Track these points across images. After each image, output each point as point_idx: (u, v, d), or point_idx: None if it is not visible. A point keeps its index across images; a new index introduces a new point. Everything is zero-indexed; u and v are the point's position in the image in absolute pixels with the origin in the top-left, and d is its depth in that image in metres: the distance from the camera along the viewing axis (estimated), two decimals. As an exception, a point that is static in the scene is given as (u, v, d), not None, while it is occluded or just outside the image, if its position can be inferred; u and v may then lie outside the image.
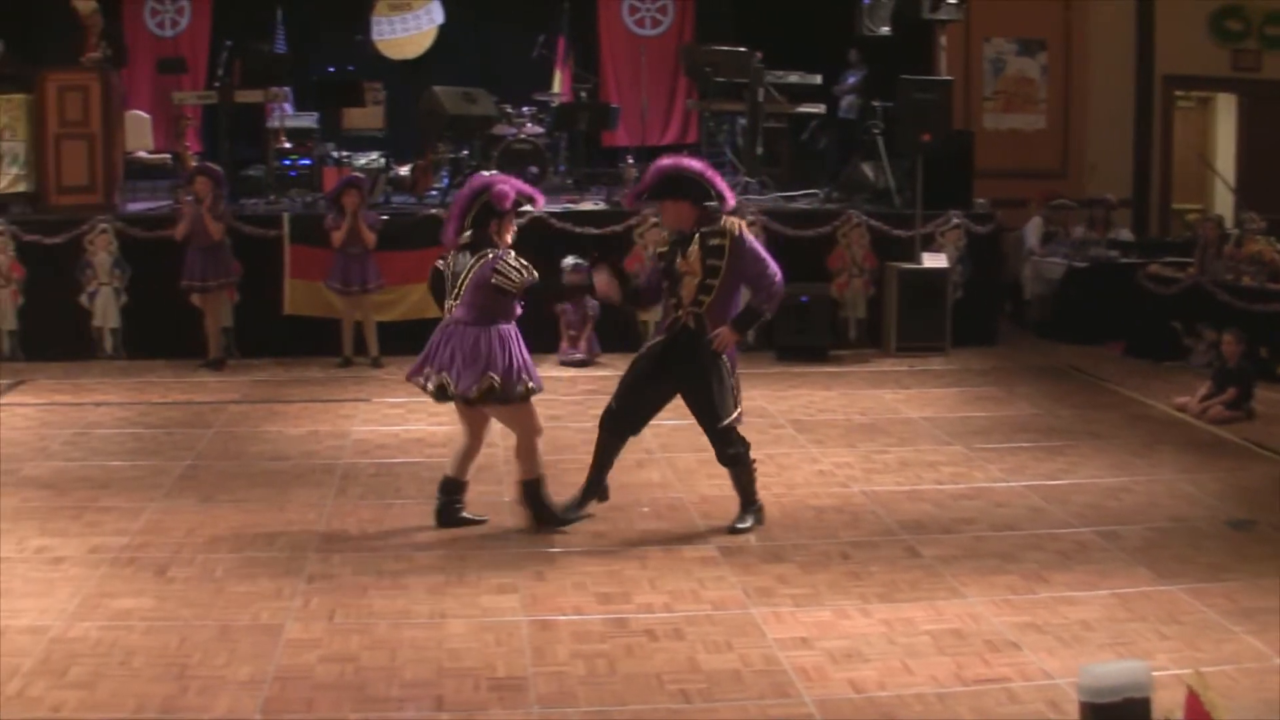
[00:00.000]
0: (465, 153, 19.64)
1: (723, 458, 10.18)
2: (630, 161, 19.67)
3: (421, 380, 9.92)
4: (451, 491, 10.32)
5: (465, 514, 10.33)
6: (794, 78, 19.77)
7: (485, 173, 11.19)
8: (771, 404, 14.23)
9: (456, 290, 9.78)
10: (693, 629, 8.21)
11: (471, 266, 9.73)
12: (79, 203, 17.14)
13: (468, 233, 9.82)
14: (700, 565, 9.34)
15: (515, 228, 9.96)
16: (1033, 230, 19.57)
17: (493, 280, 9.64)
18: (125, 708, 7.19)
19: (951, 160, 17.69)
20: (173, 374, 16.07)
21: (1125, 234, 20.17)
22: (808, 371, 16.07)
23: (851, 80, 21.29)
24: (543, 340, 15.26)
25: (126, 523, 10.29)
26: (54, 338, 16.95)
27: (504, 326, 9.81)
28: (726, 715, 7.10)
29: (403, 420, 13.62)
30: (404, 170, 20.07)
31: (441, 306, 9.98)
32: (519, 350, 9.85)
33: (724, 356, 10.02)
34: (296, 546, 9.72)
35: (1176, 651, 7.85)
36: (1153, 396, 14.75)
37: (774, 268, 9.97)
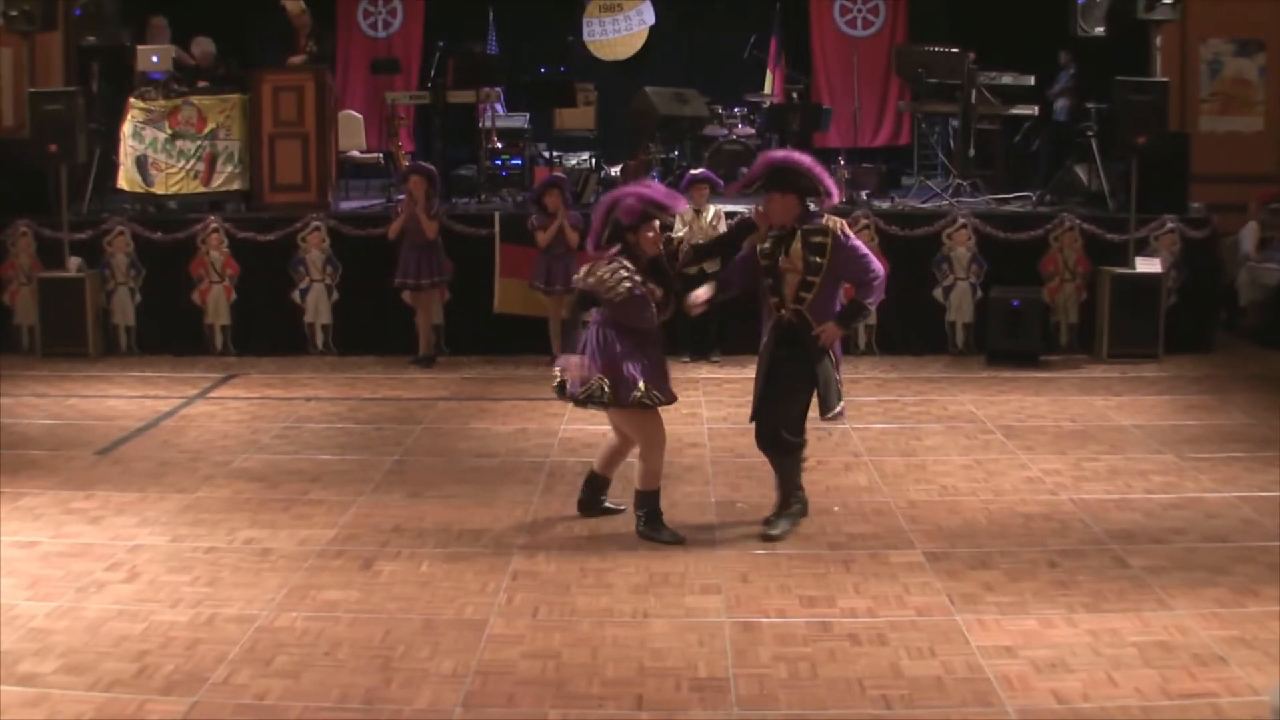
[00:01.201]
0: (676, 153, 19.70)
1: (778, 444, 10.11)
2: (842, 163, 19.60)
3: (558, 371, 10.03)
4: (596, 489, 10.50)
5: (608, 504, 10.52)
6: (1007, 79, 19.57)
7: (654, 181, 11.04)
8: (981, 409, 14.11)
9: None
10: (896, 634, 8.16)
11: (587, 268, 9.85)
12: (293, 200, 17.48)
13: (610, 246, 9.86)
14: (905, 570, 9.28)
15: (659, 234, 9.90)
16: (1249, 235, 19.18)
17: (589, 280, 9.72)
18: (329, 698, 7.31)
19: (1167, 163, 17.41)
20: (383, 370, 16.32)
21: (1344, 239, 19.75)
22: (1018, 376, 15.90)
23: (1064, 82, 21.05)
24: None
25: (335, 516, 10.48)
26: (266, 333, 17.31)
27: (635, 332, 9.77)
28: (928, 722, 7.07)
29: (607, 421, 13.61)
30: (615, 170, 20.16)
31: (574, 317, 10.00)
32: (642, 358, 9.77)
33: (830, 352, 9.91)
34: (502, 543, 9.83)
35: (1391, 669, 7.69)
36: (1373, 407, 14.45)
37: (876, 265, 9.82)
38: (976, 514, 10.52)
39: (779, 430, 10.01)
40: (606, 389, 9.64)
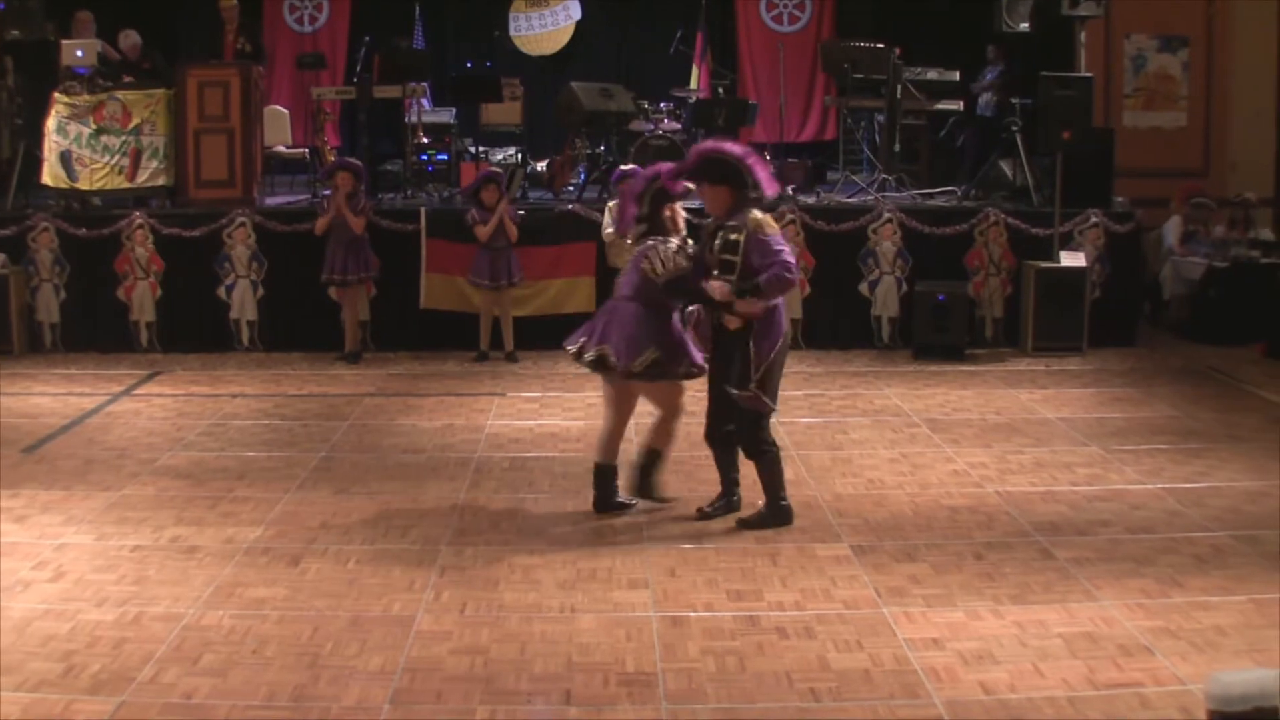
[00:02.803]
0: (602, 148, 19.68)
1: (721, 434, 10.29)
2: (768, 158, 19.62)
3: (576, 348, 10.13)
4: (607, 478, 10.49)
5: (619, 499, 10.52)
6: (932, 74, 19.65)
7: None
8: (907, 402, 14.16)
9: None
10: (823, 628, 8.18)
11: (641, 249, 10.00)
12: (218, 196, 17.37)
13: (643, 222, 10.03)
14: (832, 564, 9.30)
15: (684, 214, 10.20)
16: (1172, 229, 19.30)
17: (641, 265, 9.85)
18: (257, 696, 7.27)
19: (1091, 158, 17.50)
20: (309, 366, 16.25)
21: (1267, 233, 19.83)
22: (944, 370, 15.97)
23: (990, 77, 21.13)
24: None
25: (261, 513, 10.44)
26: (192, 330, 17.19)
27: (666, 309, 10.01)
28: (856, 715, 7.08)
29: (537, 415, 13.67)
30: (541, 166, 20.15)
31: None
32: (679, 329, 10.02)
33: (752, 335, 9.84)
34: (429, 539, 9.81)
35: (1314, 659, 7.75)
36: (1295, 399, 14.58)
37: (787, 254, 9.66)
38: (903, 507, 10.56)
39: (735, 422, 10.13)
40: (661, 359, 9.91)
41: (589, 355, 9.98)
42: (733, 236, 9.67)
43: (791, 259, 9.72)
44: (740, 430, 10.08)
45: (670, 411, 10.29)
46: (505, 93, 20.92)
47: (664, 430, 10.31)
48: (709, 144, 10.13)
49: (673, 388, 10.19)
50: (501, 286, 16.16)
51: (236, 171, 17.45)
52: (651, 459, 10.42)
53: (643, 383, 10.07)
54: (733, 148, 9.93)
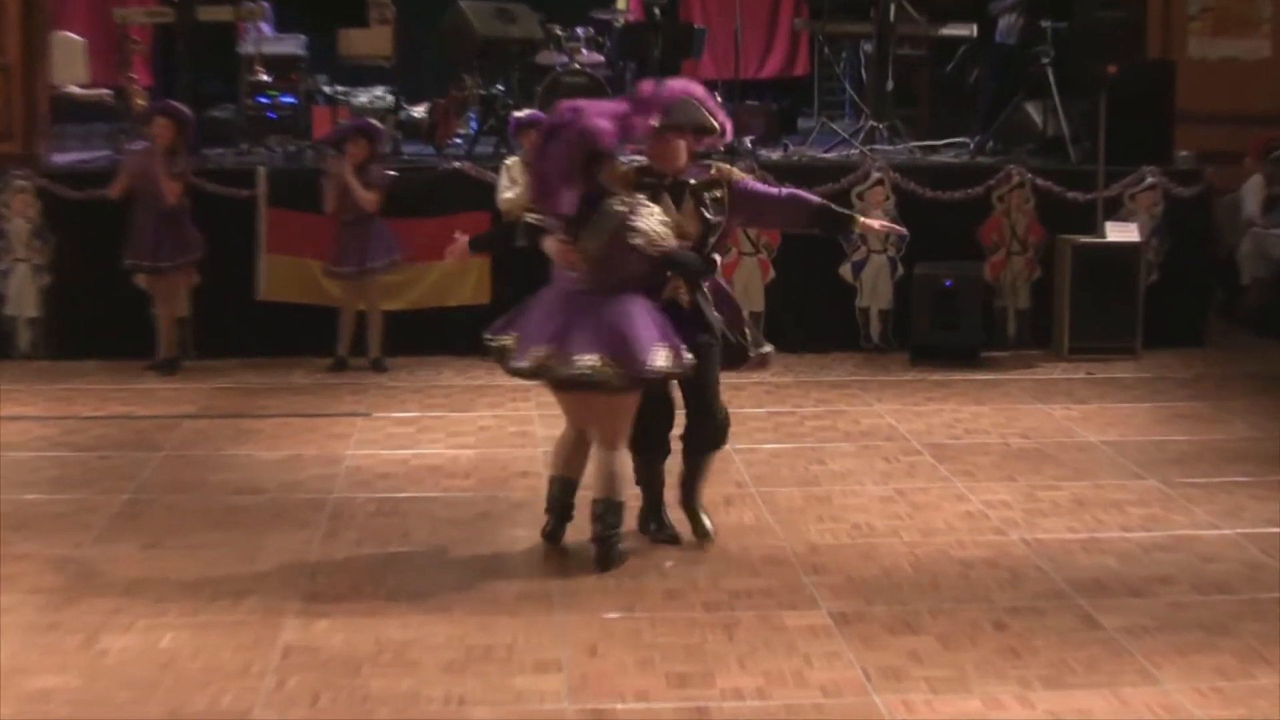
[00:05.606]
0: (500, 88, 19.68)
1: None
2: (719, 101, 19.58)
3: (496, 341, 10.30)
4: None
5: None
6: (937, -11, 19.78)
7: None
8: (904, 422, 14.20)
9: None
10: (796, 722, 8.17)
11: (598, 223, 10.04)
12: (-12, 152, 17.29)
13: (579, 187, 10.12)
14: (806, 637, 9.26)
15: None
16: (1252, 193, 19.36)
17: (632, 241, 9.88)
18: (37, 825, 7.20)
19: (1145, 100, 17.60)
20: (109, 379, 16.18)
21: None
22: (952, 379, 16.04)
23: (1012, -7, 21.27)
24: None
25: (46, 576, 10.31)
26: (-48, 330, 17.10)
27: (632, 295, 10.11)
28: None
29: (413, 441, 13.66)
30: (419, 112, 20.11)
31: None
32: (650, 323, 10.08)
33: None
34: (270, 609, 9.70)
35: None
36: None
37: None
38: (899, 560, 10.56)
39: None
40: (607, 367, 9.93)
41: (525, 363, 10.14)
42: (717, 194, 10.07)
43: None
44: (720, 418, 10.42)
45: (618, 435, 10.37)
46: (371, 14, 20.88)
47: (606, 468, 10.36)
48: (679, 82, 10.42)
49: (630, 403, 10.28)
50: (364, 273, 16.07)
51: (14, 120, 17.39)
52: (607, 513, 10.45)
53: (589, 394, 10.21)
54: (692, 86, 10.26)
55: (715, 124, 10.21)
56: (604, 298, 10.02)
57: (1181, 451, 13.29)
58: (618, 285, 10.04)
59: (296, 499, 12.08)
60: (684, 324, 10.18)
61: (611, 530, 10.33)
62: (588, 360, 9.82)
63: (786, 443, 13.00)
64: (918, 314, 16.81)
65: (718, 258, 10.32)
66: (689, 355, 10.06)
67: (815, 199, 10.49)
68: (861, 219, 10.66)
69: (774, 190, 10.48)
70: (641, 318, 9.96)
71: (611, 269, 10.04)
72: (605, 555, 10.34)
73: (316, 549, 10.87)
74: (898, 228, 11.73)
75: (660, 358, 9.87)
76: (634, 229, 9.90)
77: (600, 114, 9.96)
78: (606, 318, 9.93)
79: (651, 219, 9.91)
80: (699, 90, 10.27)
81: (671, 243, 9.95)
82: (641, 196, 10.03)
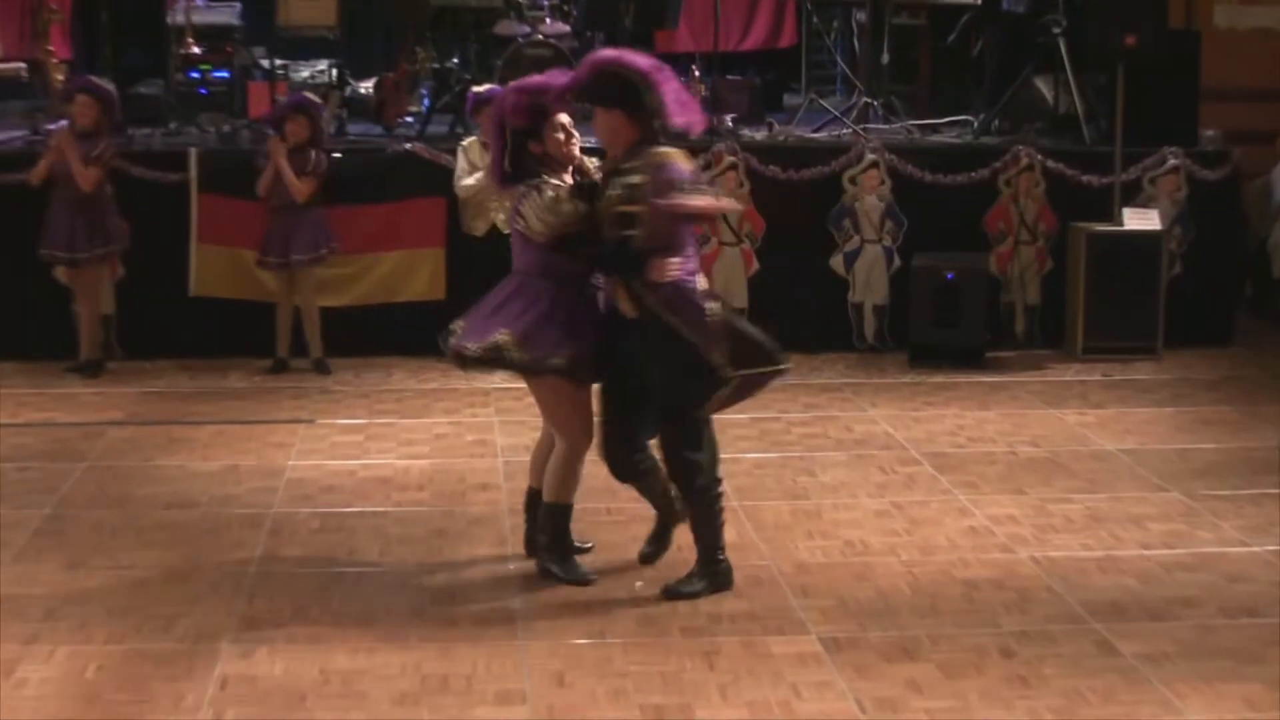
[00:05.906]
0: (456, 61, 19.69)
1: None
2: (697, 75, 19.64)
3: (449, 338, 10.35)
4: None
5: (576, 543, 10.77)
6: (936, -48, 19.82)
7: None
8: (901, 429, 14.23)
9: None
10: (782, 758, 8.22)
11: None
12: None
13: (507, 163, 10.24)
14: (794, 665, 9.30)
15: (570, 133, 10.23)
16: (1285, 177, 19.47)
17: (515, 224, 10.08)
18: None
19: (1167, 74, 17.63)
20: (26, 382, 16.16)
21: None
22: (954, 382, 16.08)
23: (1021, -43, 21.32)
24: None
25: (-43, 599, 10.34)
26: None
27: (553, 281, 10.15)
28: None
29: (361, 451, 13.68)
30: (366, 87, 20.12)
31: None
32: (571, 312, 10.13)
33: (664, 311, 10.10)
34: (205, 633, 9.73)
35: None
36: None
37: (692, 183, 9.98)
38: (897, 581, 10.60)
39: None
40: (509, 345, 9.99)
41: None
42: (634, 179, 9.85)
43: (704, 199, 10.05)
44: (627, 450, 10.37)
45: (560, 431, 10.42)
46: (313, -20, 20.93)
47: (556, 469, 10.37)
48: (608, 53, 10.33)
49: (561, 392, 10.30)
50: (289, 264, 16.09)
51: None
52: (554, 519, 10.55)
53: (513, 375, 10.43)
54: (636, 58, 10.09)
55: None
56: (516, 282, 10.20)
57: (1207, 461, 13.35)
58: (526, 270, 10.17)
59: (233, 514, 12.10)
60: (621, 329, 10.12)
61: (550, 540, 10.49)
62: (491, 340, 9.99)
63: (772, 452, 13.06)
64: (917, 310, 16.83)
65: (684, 259, 9.93)
66: (559, 359, 10.04)
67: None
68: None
69: (661, 201, 10.06)
70: (511, 305, 10.07)
71: (516, 253, 10.24)
72: (542, 569, 10.52)
73: (255, 569, 10.89)
74: (729, 204, 11.34)
75: (473, 342, 10.03)
76: (518, 213, 10.07)
77: (524, 89, 10.15)
78: (493, 299, 10.16)
79: (537, 204, 9.94)
80: (641, 61, 9.97)
81: (543, 233, 9.95)
82: (560, 179, 10.06)
